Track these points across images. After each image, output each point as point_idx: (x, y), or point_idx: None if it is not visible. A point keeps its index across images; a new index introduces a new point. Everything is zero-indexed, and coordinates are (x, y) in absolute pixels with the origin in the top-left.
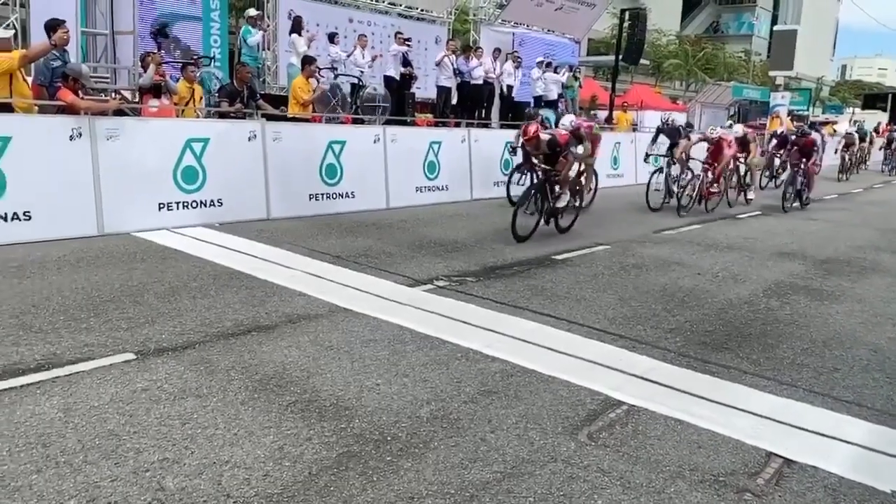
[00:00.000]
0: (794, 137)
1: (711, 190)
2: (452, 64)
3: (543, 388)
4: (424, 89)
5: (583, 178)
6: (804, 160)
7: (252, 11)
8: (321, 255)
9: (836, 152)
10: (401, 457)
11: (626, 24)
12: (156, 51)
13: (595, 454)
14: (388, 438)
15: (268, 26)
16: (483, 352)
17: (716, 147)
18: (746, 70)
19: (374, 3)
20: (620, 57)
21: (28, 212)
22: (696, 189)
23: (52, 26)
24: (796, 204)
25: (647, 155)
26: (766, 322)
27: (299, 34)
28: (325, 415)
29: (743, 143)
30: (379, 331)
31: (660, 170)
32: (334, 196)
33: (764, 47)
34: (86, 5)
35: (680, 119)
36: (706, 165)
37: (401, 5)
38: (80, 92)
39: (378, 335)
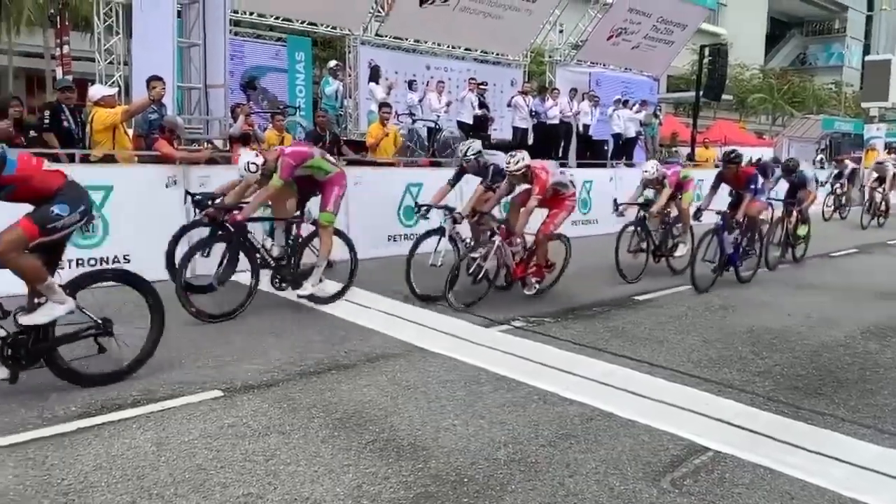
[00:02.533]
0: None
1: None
2: (527, 105)
3: (623, 432)
4: (501, 130)
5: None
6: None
7: (333, 63)
8: (398, 295)
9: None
10: (478, 499)
11: (706, 60)
12: (245, 102)
13: (678, 502)
14: (465, 480)
15: (348, 76)
16: (561, 394)
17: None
18: (837, 102)
19: (450, 49)
20: (701, 93)
21: (128, 255)
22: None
23: (151, 83)
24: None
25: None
26: (865, 367)
27: (377, 82)
28: (402, 454)
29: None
30: (455, 371)
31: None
32: (412, 237)
33: (856, 78)
34: (181, 62)
35: (767, 154)
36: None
37: (476, 50)
38: (175, 142)
39: (454, 375)
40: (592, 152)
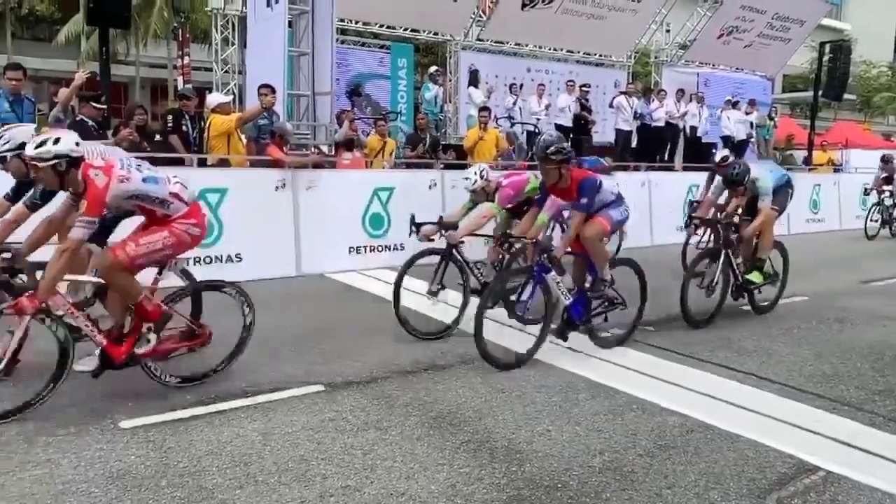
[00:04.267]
0: None
1: None
2: (631, 106)
3: (726, 446)
4: (603, 133)
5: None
6: None
7: (433, 68)
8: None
9: None
10: None
11: (826, 58)
12: (349, 108)
13: None
14: (559, 486)
15: (448, 81)
16: (660, 404)
17: None
18: None
19: (551, 51)
20: (820, 93)
21: (239, 254)
22: None
23: (261, 91)
24: None
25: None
26: None
27: (476, 86)
28: (496, 456)
29: None
30: (551, 377)
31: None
32: None
33: None
34: (292, 71)
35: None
36: None
37: (579, 52)
38: (284, 147)
39: (550, 381)
40: (700, 155)
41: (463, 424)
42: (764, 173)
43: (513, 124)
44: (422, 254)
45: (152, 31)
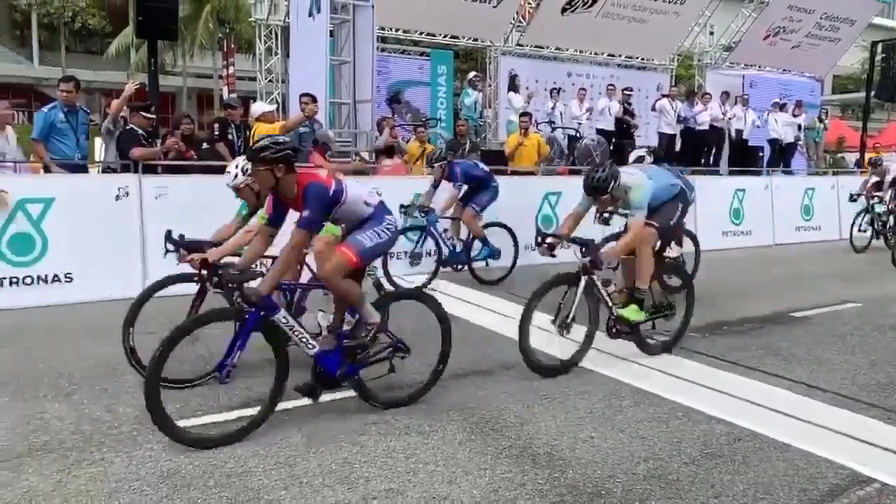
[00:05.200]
0: None
1: None
2: (674, 110)
3: (776, 455)
4: (646, 137)
5: None
6: None
7: (472, 74)
8: (538, 305)
9: None
10: None
11: (878, 58)
12: (390, 115)
13: None
14: (602, 493)
15: (488, 86)
16: (706, 412)
17: None
18: None
19: (592, 55)
20: (873, 94)
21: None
22: None
23: (302, 99)
24: None
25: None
26: None
27: (516, 91)
28: (538, 462)
29: None
30: (593, 383)
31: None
32: None
33: None
34: (333, 79)
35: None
36: None
37: (620, 55)
38: (326, 155)
39: (592, 388)
40: (746, 159)
41: (505, 430)
42: (639, 180)
43: (553, 129)
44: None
45: (198, 43)
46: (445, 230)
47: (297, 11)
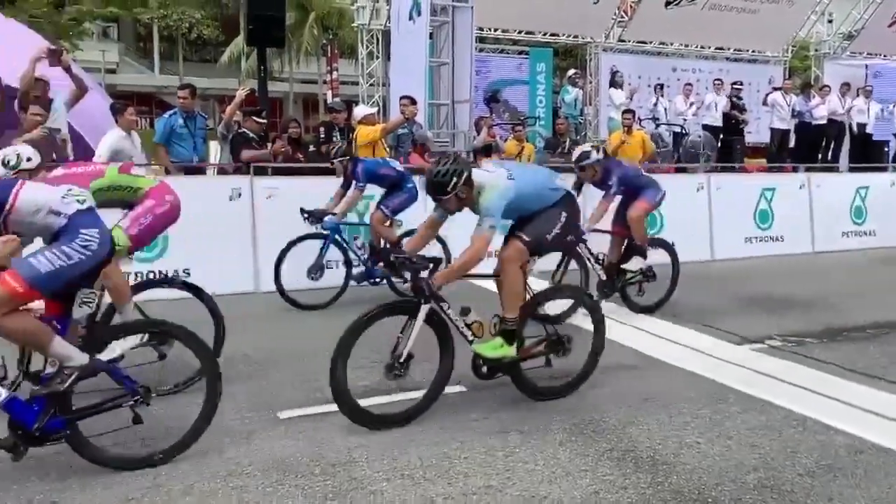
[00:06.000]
0: None
1: None
2: (788, 103)
3: None
4: (757, 133)
5: None
6: None
7: (572, 71)
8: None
9: None
10: None
11: None
12: (488, 115)
13: None
14: (709, 500)
15: (588, 83)
16: (824, 422)
17: None
18: None
19: (699, 49)
20: None
21: None
22: None
23: (402, 101)
24: None
25: None
26: None
27: (618, 87)
28: (641, 466)
29: None
30: (699, 387)
31: None
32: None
33: None
34: (432, 81)
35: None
36: None
37: (729, 48)
38: (426, 155)
39: (698, 392)
40: (870, 154)
41: (606, 432)
42: (494, 180)
43: (657, 125)
44: None
45: (304, 49)
46: (356, 238)
47: (397, 15)
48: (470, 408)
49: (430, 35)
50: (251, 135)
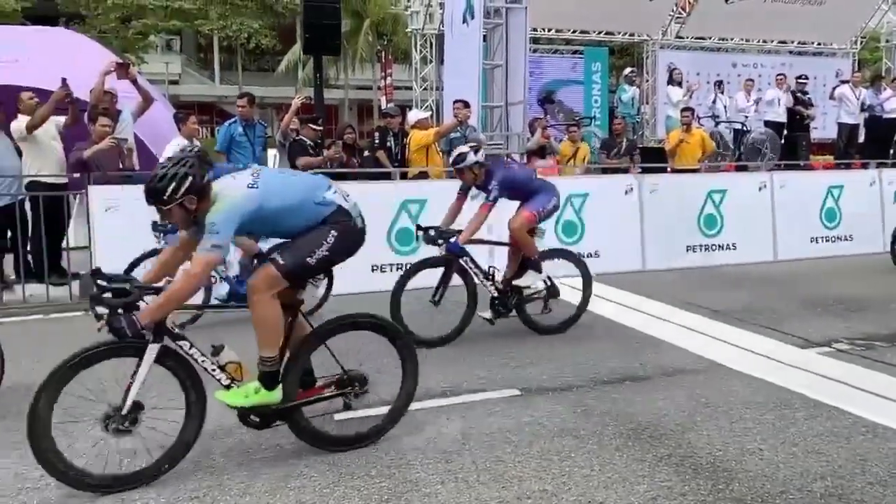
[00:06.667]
0: None
1: None
2: (857, 97)
3: None
4: (823, 129)
5: None
6: None
7: (628, 70)
8: (698, 309)
9: None
10: None
11: None
12: (542, 116)
13: None
14: None
15: (645, 81)
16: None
17: None
18: None
19: (760, 44)
20: None
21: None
22: None
23: (455, 105)
24: None
25: None
26: None
27: (677, 85)
28: (700, 472)
29: None
30: (762, 392)
31: None
32: (713, 247)
33: None
34: (486, 83)
35: None
36: None
37: (792, 42)
38: None
39: (761, 397)
40: None
41: (664, 437)
42: (231, 192)
43: (717, 123)
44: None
45: (359, 56)
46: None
47: (451, 18)
48: (522, 412)
49: (484, 37)
50: (308, 142)
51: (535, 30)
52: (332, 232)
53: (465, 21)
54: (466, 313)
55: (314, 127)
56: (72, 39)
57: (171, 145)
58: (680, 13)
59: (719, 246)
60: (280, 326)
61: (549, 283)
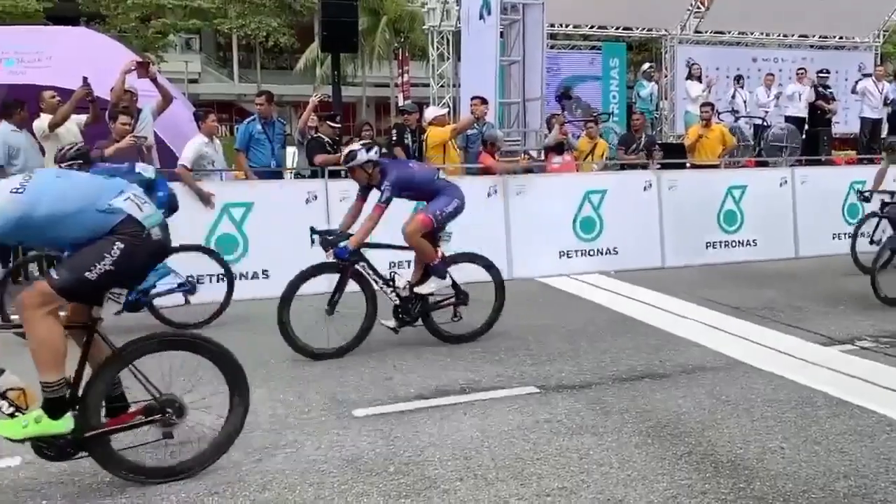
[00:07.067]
0: None
1: None
2: (881, 91)
3: None
4: (845, 123)
5: None
6: None
7: (646, 65)
8: (718, 306)
9: None
10: None
11: None
12: (559, 112)
13: None
14: None
15: (664, 77)
16: None
17: None
18: None
19: (781, 38)
20: None
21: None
22: None
23: (472, 102)
24: None
25: None
26: None
27: (696, 80)
28: (721, 471)
29: None
30: (784, 390)
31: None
32: (733, 244)
33: None
34: (503, 79)
35: None
36: None
37: (814, 35)
38: (495, 155)
39: (783, 395)
40: None
41: (684, 435)
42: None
43: (737, 118)
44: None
45: (376, 54)
46: None
47: (467, 15)
48: (540, 409)
49: (501, 34)
50: (326, 139)
51: (552, 25)
52: (118, 244)
53: (481, 17)
54: (365, 322)
55: (332, 124)
56: (93, 39)
57: (192, 142)
58: (698, 7)
59: (739, 242)
60: (59, 346)
61: (457, 289)
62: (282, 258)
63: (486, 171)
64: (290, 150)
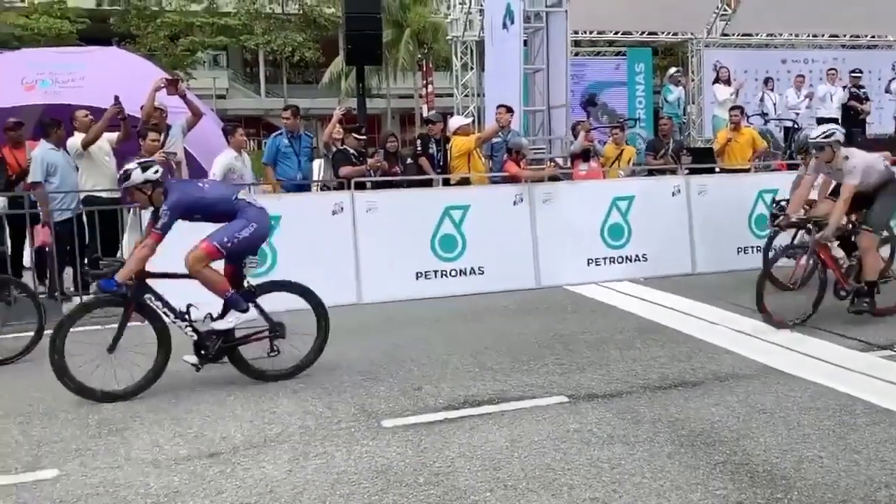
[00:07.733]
0: None
1: None
2: None
3: None
4: (879, 124)
5: None
6: None
7: (673, 70)
8: (751, 312)
9: None
10: None
11: None
12: (585, 119)
13: None
14: None
15: (691, 81)
16: None
17: None
18: None
19: (810, 38)
20: None
21: (482, 267)
22: None
23: (497, 110)
24: None
25: None
26: None
27: (724, 83)
28: (757, 480)
29: None
30: (821, 398)
31: None
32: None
33: None
34: (527, 87)
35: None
36: None
37: (844, 35)
38: (521, 163)
39: (820, 403)
40: None
41: (718, 444)
42: None
43: (766, 121)
44: None
45: (400, 65)
46: None
47: (490, 25)
48: (570, 419)
49: (525, 42)
50: (351, 151)
51: (576, 32)
52: None
53: (504, 26)
54: (158, 360)
55: (357, 136)
56: (124, 58)
57: (222, 157)
58: (725, 10)
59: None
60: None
61: (269, 321)
62: (309, 269)
63: (512, 179)
64: (317, 163)
